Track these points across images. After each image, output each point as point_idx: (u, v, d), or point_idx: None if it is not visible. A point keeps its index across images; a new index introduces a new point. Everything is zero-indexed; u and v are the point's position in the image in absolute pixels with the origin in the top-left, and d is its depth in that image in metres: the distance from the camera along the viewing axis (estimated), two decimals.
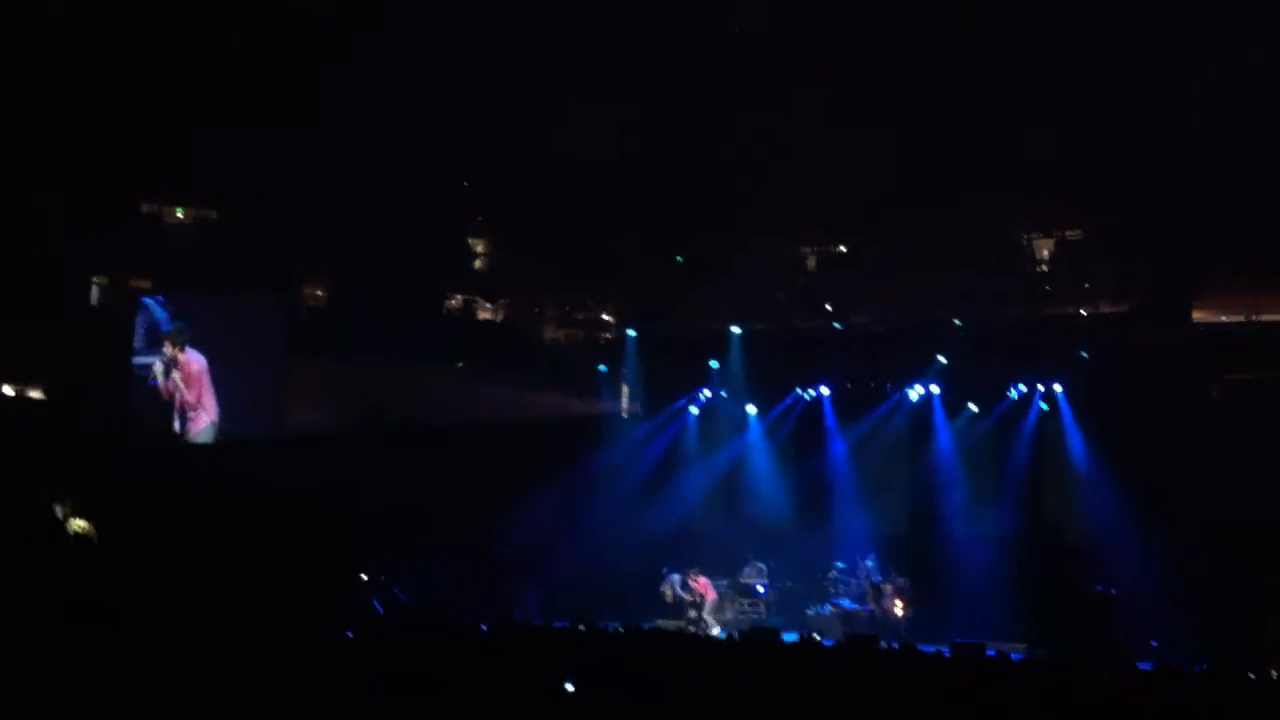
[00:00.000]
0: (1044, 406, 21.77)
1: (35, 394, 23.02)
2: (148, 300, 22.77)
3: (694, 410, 24.44)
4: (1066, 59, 18.04)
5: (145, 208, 23.38)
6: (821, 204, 21.21)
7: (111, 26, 19.25)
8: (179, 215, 23.59)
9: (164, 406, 22.49)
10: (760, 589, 21.81)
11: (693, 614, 21.33)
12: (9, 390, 22.75)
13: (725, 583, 22.03)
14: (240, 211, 23.00)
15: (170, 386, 22.52)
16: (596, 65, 19.59)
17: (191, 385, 22.44)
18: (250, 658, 9.92)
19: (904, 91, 19.00)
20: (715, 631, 20.51)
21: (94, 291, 23.67)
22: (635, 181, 21.07)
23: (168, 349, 22.46)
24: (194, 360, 22.47)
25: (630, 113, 20.19)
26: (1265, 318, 20.71)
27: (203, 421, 22.44)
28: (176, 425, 22.45)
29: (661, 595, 21.64)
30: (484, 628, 13.95)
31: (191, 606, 11.71)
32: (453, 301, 25.00)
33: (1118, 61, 17.87)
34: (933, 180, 20.07)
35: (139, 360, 22.72)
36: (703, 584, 21.64)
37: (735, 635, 16.58)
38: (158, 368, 22.47)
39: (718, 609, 21.66)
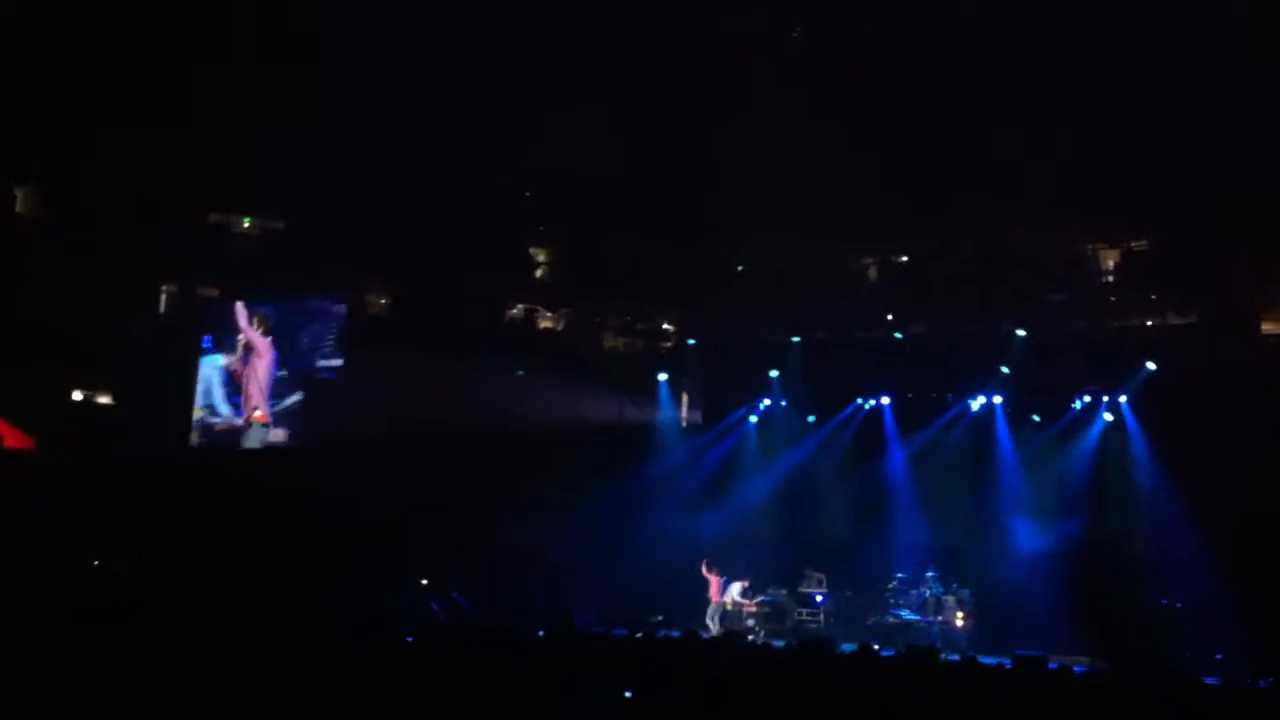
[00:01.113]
0: (1108, 418, 21.52)
1: (104, 399, 23.44)
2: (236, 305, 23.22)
3: (753, 420, 24.41)
4: (1129, 64, 17.86)
5: (213, 217, 23.74)
6: (882, 213, 21.12)
7: (179, 38, 19.59)
8: (245, 225, 23.93)
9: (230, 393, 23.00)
10: (819, 599, 21.71)
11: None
12: (78, 395, 23.18)
13: (785, 592, 21.96)
14: (305, 220, 23.31)
15: (241, 368, 23.02)
16: (646, 76, 19.68)
17: (261, 375, 22.91)
18: (309, 660, 10.03)
19: (965, 97, 18.89)
20: (713, 632, 20.53)
21: (163, 299, 24.07)
22: (695, 191, 21.11)
23: (249, 330, 23.04)
24: (267, 351, 22.97)
25: (689, 122, 20.24)
26: None
27: (258, 415, 22.86)
28: (237, 414, 22.88)
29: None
30: (540, 633, 13.98)
31: (249, 608, 11.86)
32: (514, 311, 25.14)
33: (1182, 67, 17.66)
34: (995, 189, 19.92)
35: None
36: (713, 583, 21.72)
37: (794, 644, 16.51)
38: (235, 350, 23.03)
39: (722, 612, 21.68)
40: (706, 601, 21.80)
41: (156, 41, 19.57)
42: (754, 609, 21.72)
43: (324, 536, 19.61)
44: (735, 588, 21.83)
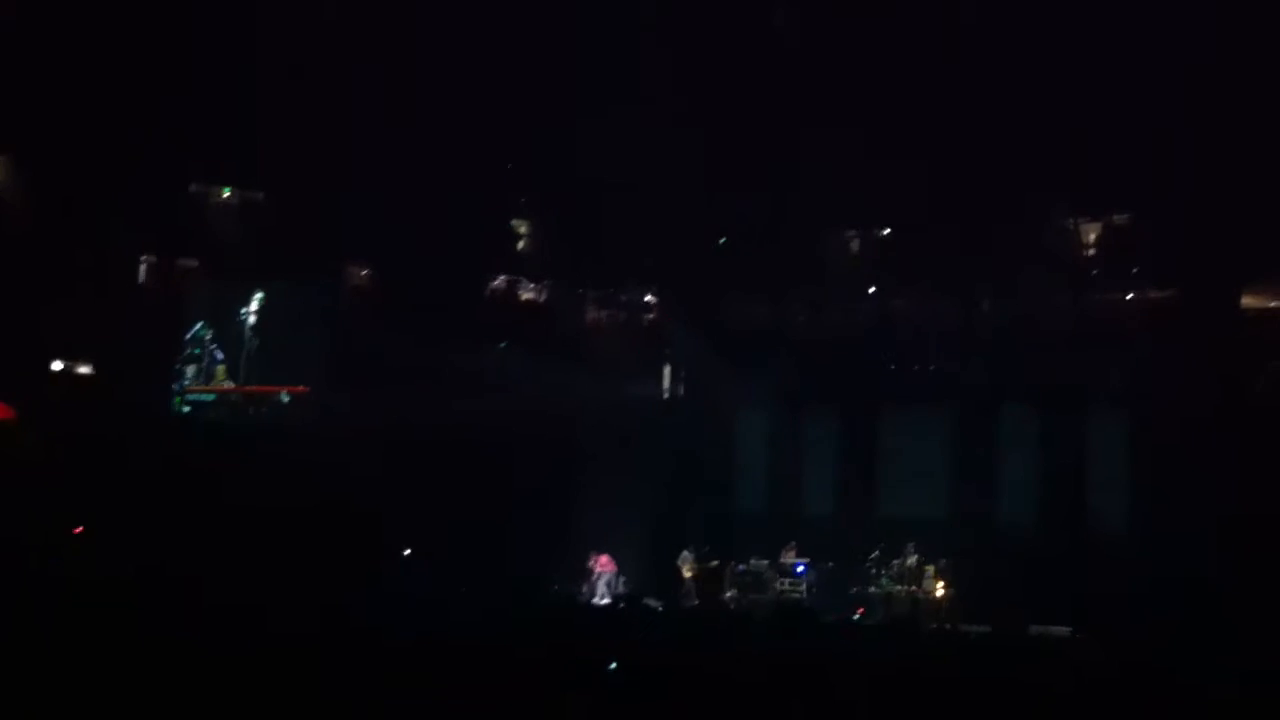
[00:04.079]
0: (1089, 392, 21.60)
1: (84, 370, 23.35)
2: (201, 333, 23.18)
3: (736, 395, 24.40)
4: (1111, 41, 17.91)
5: (193, 187, 23.59)
6: (864, 189, 21.13)
7: (161, 7, 19.49)
8: (225, 195, 23.78)
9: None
10: (800, 569, 21.83)
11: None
12: (58, 365, 23.10)
13: (766, 563, 22.08)
14: (286, 192, 23.20)
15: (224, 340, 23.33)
16: (640, 57, 19.64)
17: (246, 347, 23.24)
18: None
19: (944, 72, 18.93)
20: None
21: (141, 270, 23.95)
22: (677, 165, 21.07)
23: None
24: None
25: (673, 102, 20.20)
26: None
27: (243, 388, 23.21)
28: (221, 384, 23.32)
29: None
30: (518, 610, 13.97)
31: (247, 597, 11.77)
32: (496, 282, 25.06)
33: (1163, 44, 17.72)
34: (974, 164, 19.97)
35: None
36: (603, 561, 22.20)
37: (775, 613, 16.63)
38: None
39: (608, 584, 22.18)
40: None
41: (133, 11, 19.49)
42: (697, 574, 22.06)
43: (307, 517, 19.56)
44: (686, 556, 22.16)
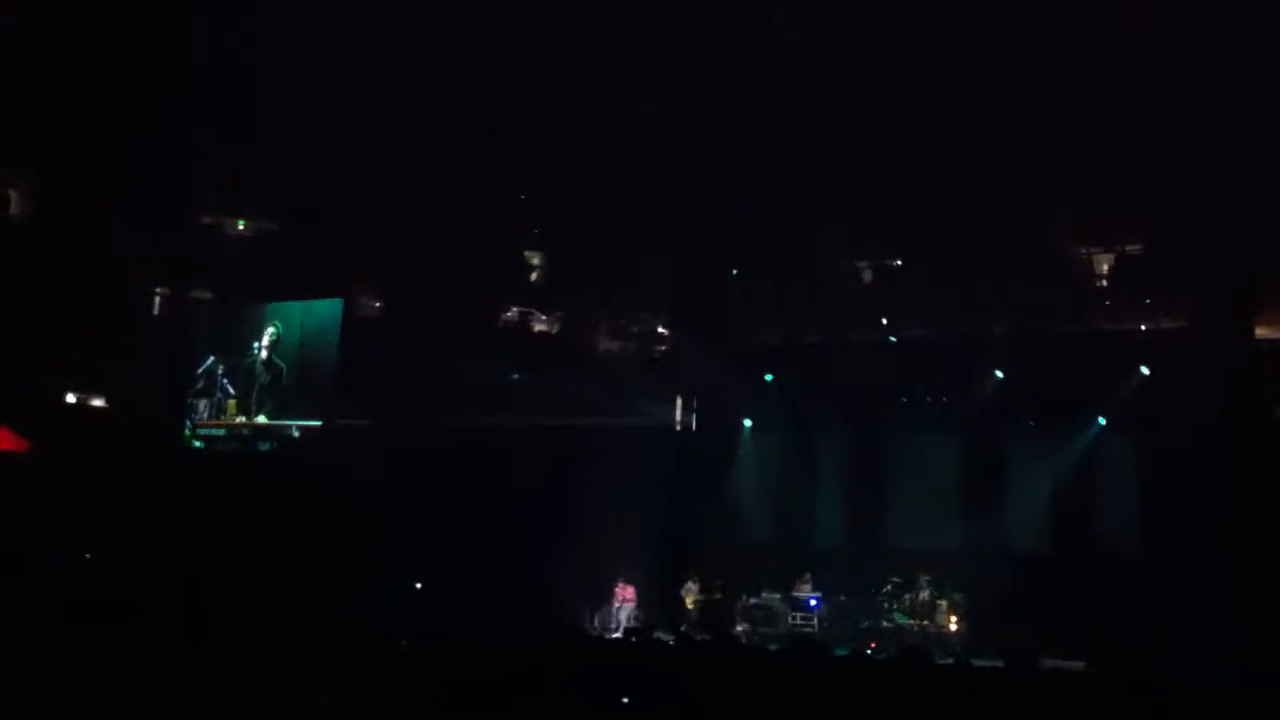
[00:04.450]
0: (1102, 421, 21.52)
1: (97, 402, 23.43)
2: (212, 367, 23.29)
3: (747, 423, 24.35)
4: (1124, 66, 17.91)
5: (206, 219, 23.72)
6: (876, 216, 21.14)
7: (174, 39, 19.62)
8: (239, 227, 23.91)
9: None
10: (812, 603, 21.71)
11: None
12: (71, 398, 23.17)
13: (778, 596, 21.96)
14: (299, 222, 23.31)
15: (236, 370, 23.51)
16: (647, 75, 19.70)
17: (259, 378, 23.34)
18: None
19: (954, 98, 18.93)
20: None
21: (156, 301, 24.06)
22: (689, 195, 21.11)
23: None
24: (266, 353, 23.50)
25: (682, 126, 20.24)
26: None
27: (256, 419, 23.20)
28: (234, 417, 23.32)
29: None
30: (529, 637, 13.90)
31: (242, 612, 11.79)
32: (509, 313, 25.12)
33: (1176, 70, 17.71)
34: (988, 192, 19.95)
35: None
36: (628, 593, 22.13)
37: (786, 648, 16.49)
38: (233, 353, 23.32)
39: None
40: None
41: (149, 41, 19.62)
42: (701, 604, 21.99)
43: (323, 537, 19.61)
44: (691, 586, 22.09)
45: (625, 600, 22.25)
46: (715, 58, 19.72)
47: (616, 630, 21.46)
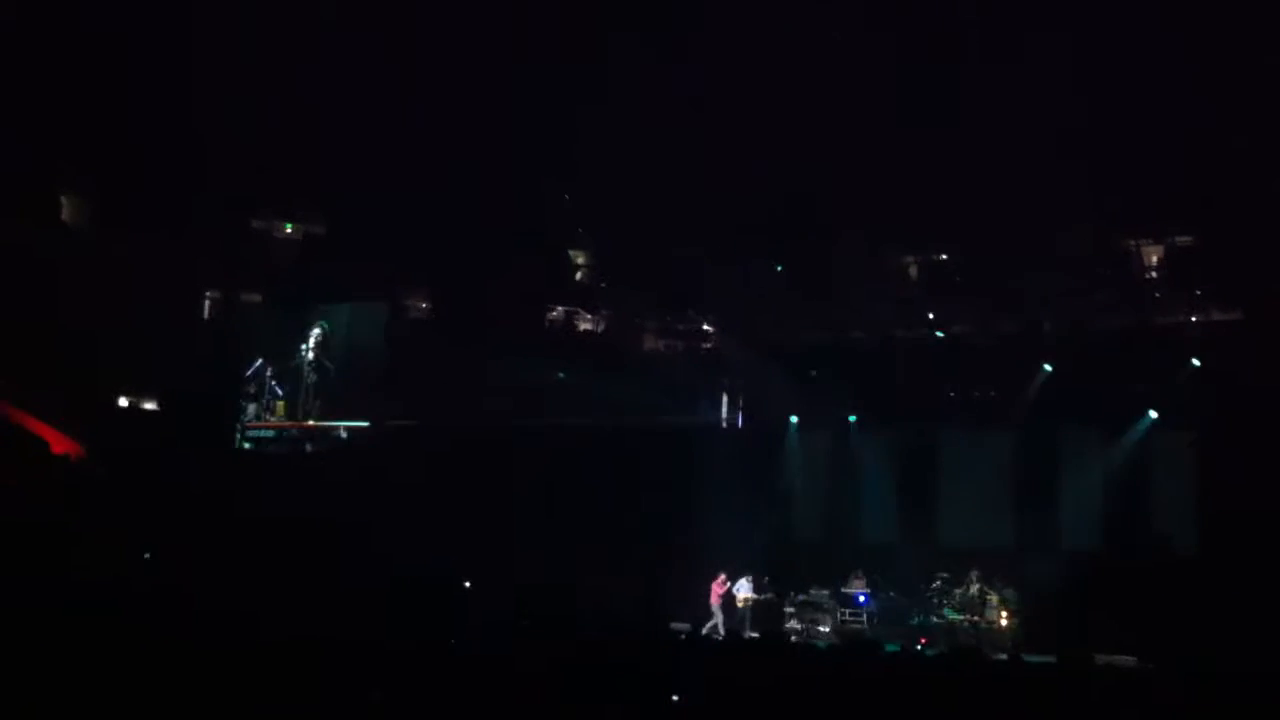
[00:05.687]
0: (1153, 415, 21.31)
1: (149, 406, 23.67)
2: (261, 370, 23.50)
3: (794, 420, 24.30)
4: (1168, 58, 17.76)
5: (256, 224, 23.92)
6: (923, 213, 21.04)
7: (219, 46, 19.79)
8: (288, 230, 24.10)
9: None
10: (862, 599, 21.62)
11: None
12: (124, 402, 23.42)
13: (827, 593, 21.89)
14: (347, 226, 23.46)
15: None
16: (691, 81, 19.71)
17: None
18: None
19: (1005, 94, 18.81)
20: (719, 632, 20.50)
21: (206, 305, 24.30)
22: (733, 193, 21.09)
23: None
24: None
25: (729, 127, 20.24)
26: None
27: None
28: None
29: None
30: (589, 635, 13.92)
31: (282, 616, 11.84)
32: (554, 313, 25.18)
33: (1228, 62, 17.53)
34: (1036, 187, 19.81)
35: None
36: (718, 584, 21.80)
37: (837, 644, 16.46)
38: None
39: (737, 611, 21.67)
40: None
41: (199, 51, 19.80)
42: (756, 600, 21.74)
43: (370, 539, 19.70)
44: (744, 584, 21.83)
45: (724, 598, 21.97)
46: (758, 55, 19.65)
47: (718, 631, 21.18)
